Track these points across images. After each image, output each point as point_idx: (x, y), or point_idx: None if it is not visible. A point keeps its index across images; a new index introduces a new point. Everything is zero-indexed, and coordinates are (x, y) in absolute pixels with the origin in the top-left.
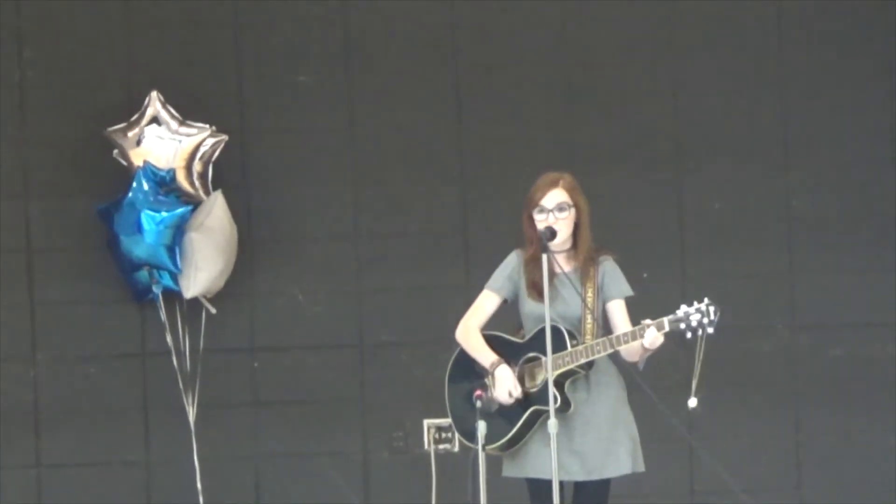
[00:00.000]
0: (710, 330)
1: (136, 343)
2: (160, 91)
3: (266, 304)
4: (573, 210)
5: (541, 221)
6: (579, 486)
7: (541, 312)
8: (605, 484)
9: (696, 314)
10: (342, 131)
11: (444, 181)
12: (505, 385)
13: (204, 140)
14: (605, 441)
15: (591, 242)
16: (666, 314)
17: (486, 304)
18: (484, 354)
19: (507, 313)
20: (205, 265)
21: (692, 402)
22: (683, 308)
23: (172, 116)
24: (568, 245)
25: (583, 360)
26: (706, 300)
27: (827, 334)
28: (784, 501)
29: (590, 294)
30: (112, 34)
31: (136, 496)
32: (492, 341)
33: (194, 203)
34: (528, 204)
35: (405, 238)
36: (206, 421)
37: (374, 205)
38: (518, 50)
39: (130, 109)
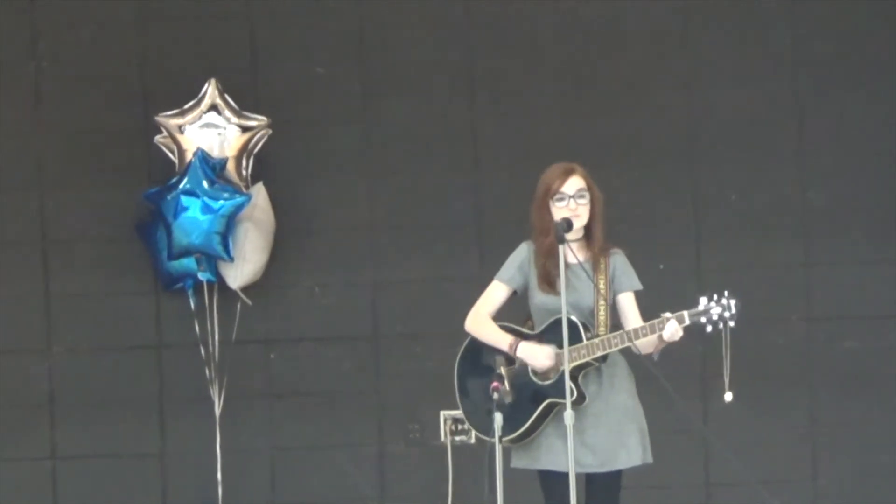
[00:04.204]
0: (732, 324)
1: (152, 334)
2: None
3: (281, 296)
4: (590, 197)
5: (561, 208)
6: (591, 478)
7: (552, 304)
8: (616, 475)
9: (717, 308)
10: (356, 122)
11: (458, 173)
12: (537, 354)
13: (258, 132)
14: (616, 433)
15: (601, 234)
16: (681, 306)
17: (495, 294)
18: (500, 338)
19: (513, 304)
20: (253, 256)
21: (728, 397)
22: (703, 301)
23: (229, 106)
24: (580, 235)
25: (599, 353)
26: (726, 293)
27: (842, 326)
28: (799, 493)
29: (602, 285)
30: (126, 27)
31: (151, 488)
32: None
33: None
34: (545, 193)
35: (419, 229)
36: (223, 412)
37: (388, 196)
38: (532, 41)
39: (145, 100)
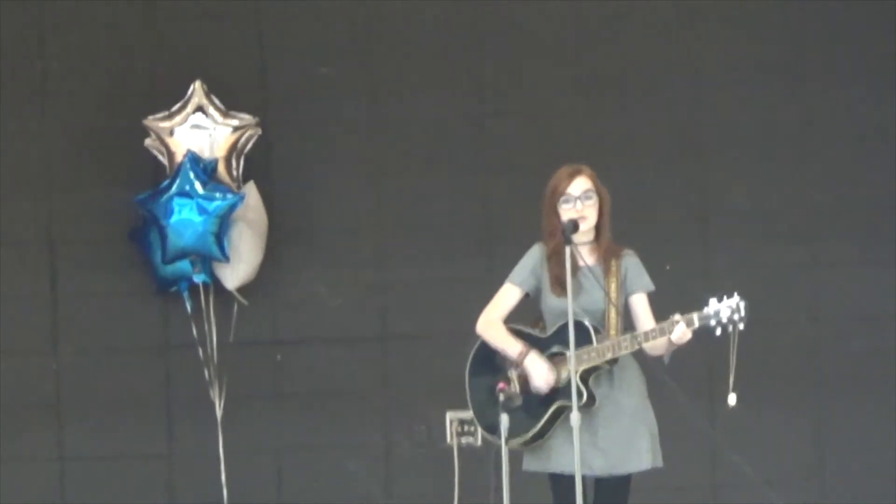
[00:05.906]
0: (741, 326)
1: (159, 335)
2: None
3: (288, 297)
4: (597, 198)
5: (568, 210)
6: (600, 482)
7: (564, 307)
8: (626, 479)
9: (727, 310)
10: (364, 123)
11: (466, 173)
12: (541, 373)
13: (246, 132)
14: (626, 436)
15: (610, 235)
16: (688, 306)
17: (507, 297)
18: (510, 345)
19: (525, 306)
20: (248, 256)
21: (731, 400)
22: (713, 303)
23: (216, 107)
24: (590, 237)
25: (609, 356)
26: (736, 295)
27: (849, 327)
28: (806, 494)
29: (613, 288)
30: (134, 27)
31: (157, 489)
32: (513, 335)
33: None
34: (553, 194)
35: (427, 230)
36: (228, 414)
37: (395, 197)
38: (539, 42)
39: (153, 101)
